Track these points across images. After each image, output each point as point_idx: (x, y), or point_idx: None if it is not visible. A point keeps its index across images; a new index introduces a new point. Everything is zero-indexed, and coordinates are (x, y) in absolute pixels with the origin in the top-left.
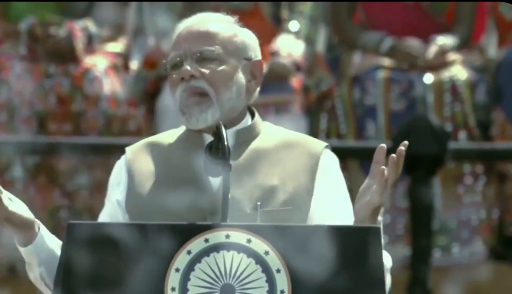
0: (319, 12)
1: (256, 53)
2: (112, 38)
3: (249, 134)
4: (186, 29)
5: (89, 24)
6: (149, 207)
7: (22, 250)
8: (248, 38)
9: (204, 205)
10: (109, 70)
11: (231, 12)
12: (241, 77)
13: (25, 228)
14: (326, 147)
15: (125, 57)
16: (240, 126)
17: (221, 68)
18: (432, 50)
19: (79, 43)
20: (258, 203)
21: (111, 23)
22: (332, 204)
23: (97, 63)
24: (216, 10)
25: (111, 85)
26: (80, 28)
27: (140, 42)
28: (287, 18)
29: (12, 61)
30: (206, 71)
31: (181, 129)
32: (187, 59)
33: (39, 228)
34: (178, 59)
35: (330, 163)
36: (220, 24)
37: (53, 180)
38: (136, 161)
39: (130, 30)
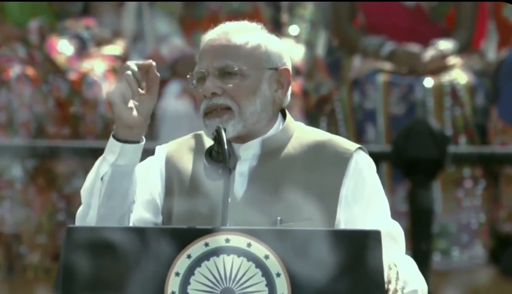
0: (319, 16)
1: (282, 60)
2: (110, 41)
3: (276, 142)
4: (209, 43)
5: (81, 28)
6: (178, 213)
7: (123, 146)
8: (273, 46)
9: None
10: (108, 74)
11: (230, 15)
12: (265, 89)
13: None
14: (359, 149)
15: (123, 60)
16: (267, 135)
17: (243, 83)
18: (430, 53)
19: (61, 57)
20: (278, 218)
21: (107, 26)
22: (360, 209)
23: (95, 67)
24: (215, 13)
25: (109, 89)
26: (71, 35)
27: (140, 46)
28: (287, 22)
29: (11, 64)
30: (228, 86)
31: None
32: (210, 75)
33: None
34: (202, 74)
35: (361, 165)
36: (243, 35)
37: (52, 183)
38: (174, 158)
39: (128, 33)
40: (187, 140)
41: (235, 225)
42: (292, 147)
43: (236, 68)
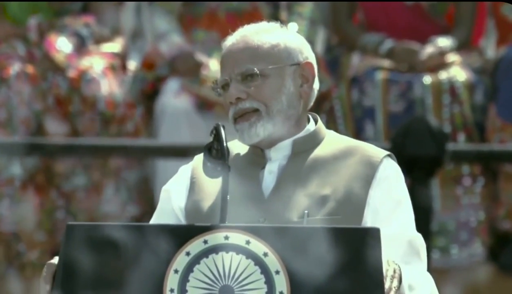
0: (318, 13)
1: (304, 55)
2: (109, 39)
3: (307, 143)
4: (229, 49)
5: (80, 26)
6: (205, 219)
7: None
8: (292, 42)
9: (260, 220)
10: (106, 71)
11: (229, 13)
12: (290, 85)
13: None
14: (388, 156)
15: (122, 57)
16: (298, 136)
17: (266, 82)
18: (428, 50)
19: (60, 55)
20: (306, 211)
21: (106, 23)
22: (385, 216)
23: (94, 64)
24: (214, 11)
25: (108, 86)
26: (70, 33)
27: (139, 44)
28: (286, 20)
29: (10, 61)
30: (252, 89)
31: None
32: (232, 81)
33: None
34: (225, 81)
35: (389, 173)
36: (260, 36)
37: (51, 180)
38: (199, 168)
39: (127, 30)
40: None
41: (263, 221)
42: (322, 150)
43: (256, 70)
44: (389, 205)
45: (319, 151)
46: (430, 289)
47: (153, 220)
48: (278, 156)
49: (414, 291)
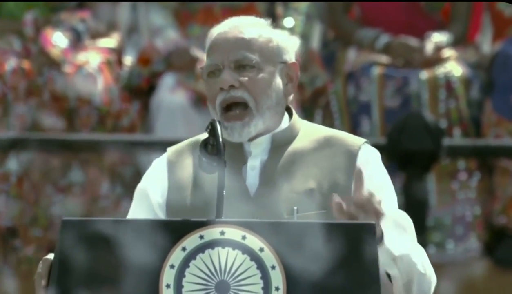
0: (314, 8)
1: (291, 55)
2: (105, 34)
3: (286, 137)
4: (221, 36)
5: (76, 21)
6: (190, 213)
7: None
8: (282, 41)
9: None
10: (102, 66)
11: (225, 8)
12: (278, 82)
13: None
14: (365, 143)
15: (118, 53)
16: (277, 130)
17: (260, 75)
18: (430, 46)
19: (56, 50)
20: (295, 208)
21: (102, 19)
22: None
23: (90, 59)
24: (210, 6)
25: (104, 81)
26: (66, 28)
27: (134, 39)
28: (282, 15)
29: (6, 57)
30: (245, 79)
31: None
32: (225, 68)
33: None
34: (216, 67)
35: (368, 159)
36: (255, 29)
37: (46, 176)
38: (176, 164)
39: (123, 26)
40: (191, 143)
41: (252, 218)
42: (300, 142)
43: (254, 61)
44: (372, 189)
45: (298, 144)
46: (421, 257)
47: (134, 214)
48: (257, 151)
49: (401, 260)
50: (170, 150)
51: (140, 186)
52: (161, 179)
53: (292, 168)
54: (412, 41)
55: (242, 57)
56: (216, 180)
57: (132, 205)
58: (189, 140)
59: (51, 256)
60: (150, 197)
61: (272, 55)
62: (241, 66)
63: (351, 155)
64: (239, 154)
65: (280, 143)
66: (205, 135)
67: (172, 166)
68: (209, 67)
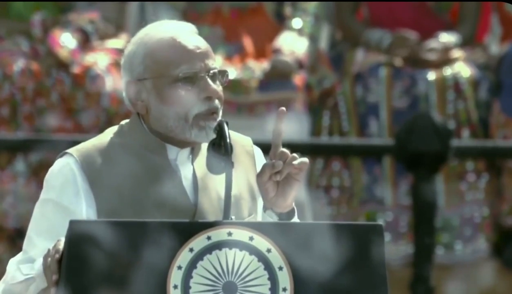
0: (322, 9)
1: None
2: (113, 35)
3: (199, 145)
4: (191, 43)
5: (85, 22)
6: (140, 214)
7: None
8: None
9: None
10: (111, 67)
11: (234, 9)
12: None
13: None
14: (250, 139)
15: None
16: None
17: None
18: (433, 44)
19: (64, 51)
20: (232, 216)
21: (111, 20)
22: None
23: (98, 60)
24: (219, 7)
25: (113, 82)
26: (75, 29)
27: None
28: (290, 16)
29: (14, 58)
30: (220, 89)
31: (124, 129)
32: (205, 76)
33: None
34: (194, 74)
35: (260, 154)
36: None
37: None
38: (95, 170)
39: (131, 26)
40: (102, 144)
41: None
42: (204, 147)
43: (228, 72)
44: None
45: (204, 151)
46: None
47: (43, 239)
48: (183, 158)
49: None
50: (77, 153)
51: (52, 197)
52: (81, 188)
53: (213, 176)
54: (410, 35)
55: (215, 68)
56: (151, 174)
57: (43, 217)
58: (94, 140)
59: (62, 242)
60: (71, 209)
61: None
62: (214, 76)
63: (250, 154)
64: (160, 158)
65: (198, 151)
66: (109, 134)
67: (90, 170)
68: (186, 73)
